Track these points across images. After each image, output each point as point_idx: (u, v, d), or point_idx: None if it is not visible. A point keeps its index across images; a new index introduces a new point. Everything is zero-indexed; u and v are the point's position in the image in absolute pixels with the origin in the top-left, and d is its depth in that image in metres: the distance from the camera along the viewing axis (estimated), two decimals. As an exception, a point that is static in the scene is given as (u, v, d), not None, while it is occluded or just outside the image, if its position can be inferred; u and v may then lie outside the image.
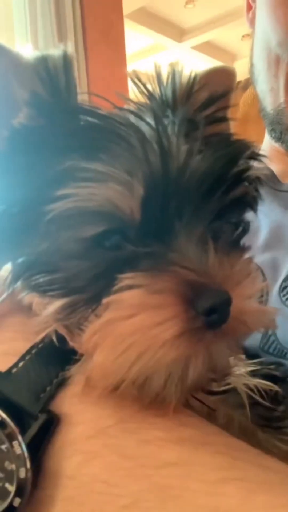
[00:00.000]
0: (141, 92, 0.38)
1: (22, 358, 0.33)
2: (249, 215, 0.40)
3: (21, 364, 0.33)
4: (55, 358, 0.34)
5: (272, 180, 0.80)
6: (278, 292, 0.65)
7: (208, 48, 5.70)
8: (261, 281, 0.35)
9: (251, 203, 0.39)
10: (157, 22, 5.12)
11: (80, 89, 0.35)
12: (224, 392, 0.38)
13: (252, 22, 0.87)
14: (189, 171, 0.33)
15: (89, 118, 0.34)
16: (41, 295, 0.34)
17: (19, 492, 0.30)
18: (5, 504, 0.30)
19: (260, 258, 0.67)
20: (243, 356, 0.42)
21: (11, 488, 0.30)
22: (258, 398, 0.39)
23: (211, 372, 0.33)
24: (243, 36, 5.26)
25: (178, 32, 5.40)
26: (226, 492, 0.28)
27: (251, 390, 0.39)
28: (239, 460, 0.30)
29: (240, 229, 0.39)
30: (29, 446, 0.30)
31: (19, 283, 0.35)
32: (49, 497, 0.31)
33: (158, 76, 0.39)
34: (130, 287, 0.31)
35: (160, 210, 0.33)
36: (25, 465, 0.30)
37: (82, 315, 0.33)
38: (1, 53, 0.34)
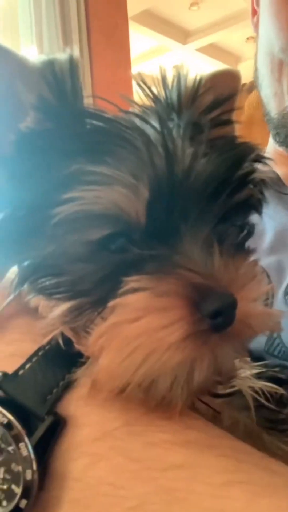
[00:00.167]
0: (146, 95, 0.38)
1: (29, 360, 0.33)
2: (254, 218, 0.40)
3: (27, 366, 0.33)
4: (61, 360, 0.34)
5: (277, 183, 0.80)
6: (283, 295, 0.64)
7: (212, 50, 5.70)
8: (266, 284, 0.35)
9: (256, 205, 0.39)
10: (162, 24, 5.13)
11: (84, 91, 0.36)
12: (229, 394, 0.38)
13: (256, 26, 0.87)
14: (194, 174, 0.33)
15: (95, 122, 0.34)
16: (47, 298, 0.34)
17: (25, 494, 0.30)
18: (12, 505, 0.30)
19: (265, 261, 0.67)
20: (248, 359, 0.42)
21: (18, 490, 0.30)
22: (263, 400, 0.39)
23: (217, 375, 0.33)
24: (247, 39, 5.26)
25: (182, 34, 5.40)
26: (231, 495, 0.28)
27: (256, 392, 0.39)
28: (244, 463, 0.30)
29: (245, 231, 0.39)
30: (36, 448, 0.30)
31: (25, 286, 0.35)
32: (55, 499, 0.31)
33: (163, 79, 0.39)
34: (135, 290, 0.31)
35: (165, 213, 0.33)
36: (31, 467, 0.30)
37: (88, 318, 0.33)
38: (8, 57, 0.34)
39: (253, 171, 0.37)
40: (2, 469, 0.31)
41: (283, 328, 0.37)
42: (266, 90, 0.83)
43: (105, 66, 3.12)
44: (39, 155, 0.33)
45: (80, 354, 0.34)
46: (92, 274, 0.33)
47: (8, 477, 0.31)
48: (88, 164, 0.32)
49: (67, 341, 0.34)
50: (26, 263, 0.35)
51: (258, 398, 0.39)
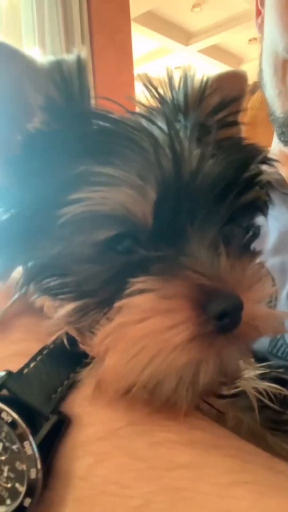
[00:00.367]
0: (153, 96, 0.38)
1: (34, 358, 0.33)
2: (259, 220, 0.40)
3: (32, 364, 0.33)
4: (66, 359, 0.34)
5: (281, 184, 0.80)
6: (286, 296, 0.65)
7: (214, 51, 5.70)
8: (272, 286, 0.35)
9: (262, 207, 0.40)
10: (164, 26, 5.13)
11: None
12: (234, 395, 0.38)
13: (261, 27, 0.88)
14: (202, 175, 0.33)
15: (102, 123, 0.34)
16: (53, 298, 0.34)
17: (29, 493, 0.30)
18: (16, 504, 0.30)
19: (269, 262, 0.67)
20: (252, 360, 0.42)
21: (22, 489, 0.30)
22: (267, 401, 0.39)
23: (222, 376, 0.33)
24: (250, 40, 5.26)
25: (184, 36, 5.40)
26: (237, 495, 0.28)
27: (260, 393, 0.39)
28: (249, 463, 0.30)
29: (251, 233, 0.39)
30: (40, 446, 0.30)
31: (30, 286, 0.35)
32: (60, 497, 0.31)
33: (170, 80, 0.39)
34: (141, 291, 0.31)
35: (172, 215, 0.33)
36: (36, 466, 0.30)
37: (94, 318, 0.33)
38: (16, 58, 0.34)
39: (260, 173, 0.37)
40: (7, 468, 0.31)
41: (287, 329, 0.37)
42: (271, 90, 0.83)
43: (108, 68, 3.12)
44: (46, 156, 0.34)
45: (85, 354, 0.34)
46: (98, 275, 0.33)
47: (12, 475, 0.31)
48: (95, 165, 0.32)
49: (72, 341, 0.34)
50: (31, 263, 0.35)
51: (262, 399, 0.39)
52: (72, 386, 0.33)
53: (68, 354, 0.34)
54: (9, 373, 0.33)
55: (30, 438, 0.30)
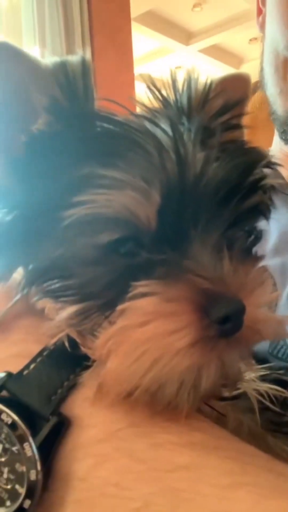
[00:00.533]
0: (156, 98, 0.38)
1: (34, 360, 0.33)
2: (261, 223, 0.40)
3: (32, 366, 0.33)
4: (66, 361, 0.34)
5: (284, 186, 0.80)
6: (287, 298, 0.65)
7: (215, 51, 5.70)
8: (274, 290, 0.35)
9: (264, 211, 0.39)
10: (164, 25, 5.12)
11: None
12: (234, 397, 0.38)
13: (262, 26, 0.88)
14: (206, 179, 0.33)
15: (106, 125, 0.34)
16: (54, 300, 0.34)
17: (29, 494, 0.30)
18: (15, 506, 0.30)
19: (270, 263, 0.67)
20: (253, 361, 0.42)
21: (22, 490, 0.30)
22: (267, 403, 0.39)
23: (223, 379, 0.33)
24: (250, 40, 5.26)
25: (185, 35, 5.40)
26: (237, 497, 0.28)
27: (261, 395, 0.39)
28: (250, 465, 0.30)
29: (253, 237, 0.39)
30: (40, 448, 0.30)
31: (32, 288, 0.35)
32: (60, 499, 0.31)
33: (174, 82, 0.39)
34: (144, 294, 0.31)
35: (176, 218, 0.33)
36: (35, 467, 0.30)
37: (96, 321, 0.33)
38: (20, 59, 0.34)
39: (264, 177, 0.37)
40: (6, 469, 0.31)
41: None
42: (272, 88, 0.83)
43: (108, 67, 3.12)
44: (50, 158, 0.33)
45: (85, 356, 0.34)
46: (101, 277, 0.33)
47: (12, 477, 0.31)
48: (99, 168, 0.32)
49: (73, 343, 0.34)
50: (33, 265, 0.35)
51: (263, 400, 0.39)
52: (72, 387, 0.33)
53: (68, 356, 0.34)
54: (9, 374, 0.33)
55: (30, 439, 0.30)
